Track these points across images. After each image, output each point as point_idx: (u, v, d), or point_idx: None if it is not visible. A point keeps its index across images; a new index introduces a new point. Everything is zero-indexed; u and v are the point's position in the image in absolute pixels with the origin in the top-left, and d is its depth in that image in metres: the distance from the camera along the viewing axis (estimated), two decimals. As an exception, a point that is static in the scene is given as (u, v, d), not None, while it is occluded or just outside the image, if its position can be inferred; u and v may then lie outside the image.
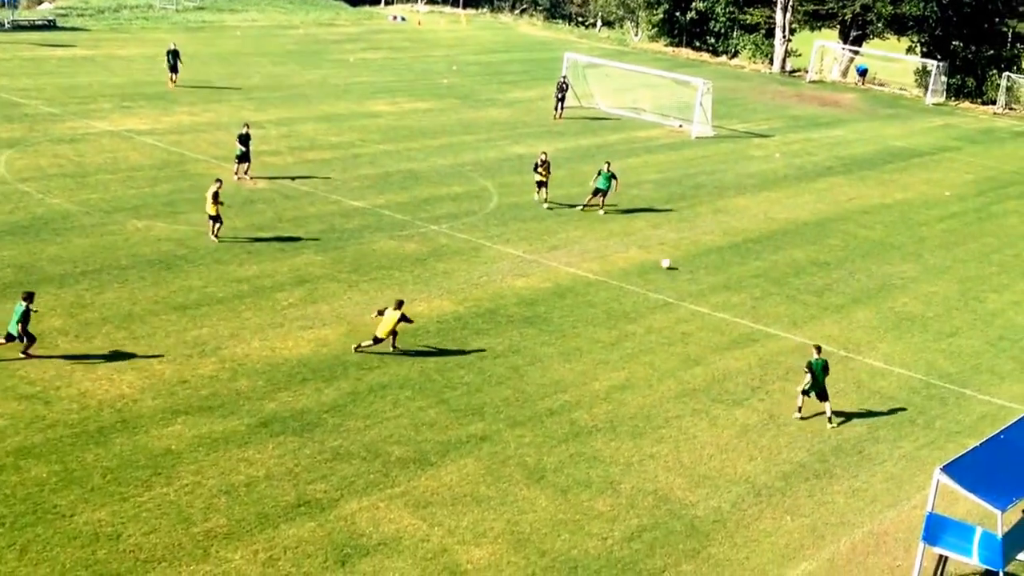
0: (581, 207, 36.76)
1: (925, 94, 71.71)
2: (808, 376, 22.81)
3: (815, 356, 22.86)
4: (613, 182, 36.53)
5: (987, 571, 17.30)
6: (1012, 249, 38.20)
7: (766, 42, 79.44)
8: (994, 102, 71.52)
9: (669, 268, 28.62)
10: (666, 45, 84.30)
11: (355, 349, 23.95)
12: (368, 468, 19.42)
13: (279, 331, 24.80)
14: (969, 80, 73.63)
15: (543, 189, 36.80)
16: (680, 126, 53.17)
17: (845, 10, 76.07)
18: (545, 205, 36.57)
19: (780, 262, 33.82)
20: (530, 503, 18.93)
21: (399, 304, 23.63)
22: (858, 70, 75.72)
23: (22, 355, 22.03)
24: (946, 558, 17.63)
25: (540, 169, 36.64)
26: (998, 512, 16.22)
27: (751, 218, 38.56)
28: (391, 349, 24.07)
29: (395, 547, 17.28)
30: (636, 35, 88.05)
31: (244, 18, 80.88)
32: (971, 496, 16.60)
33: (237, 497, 18.10)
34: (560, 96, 51.96)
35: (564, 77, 52.88)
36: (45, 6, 77.69)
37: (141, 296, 25.85)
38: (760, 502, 19.85)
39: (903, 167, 50.04)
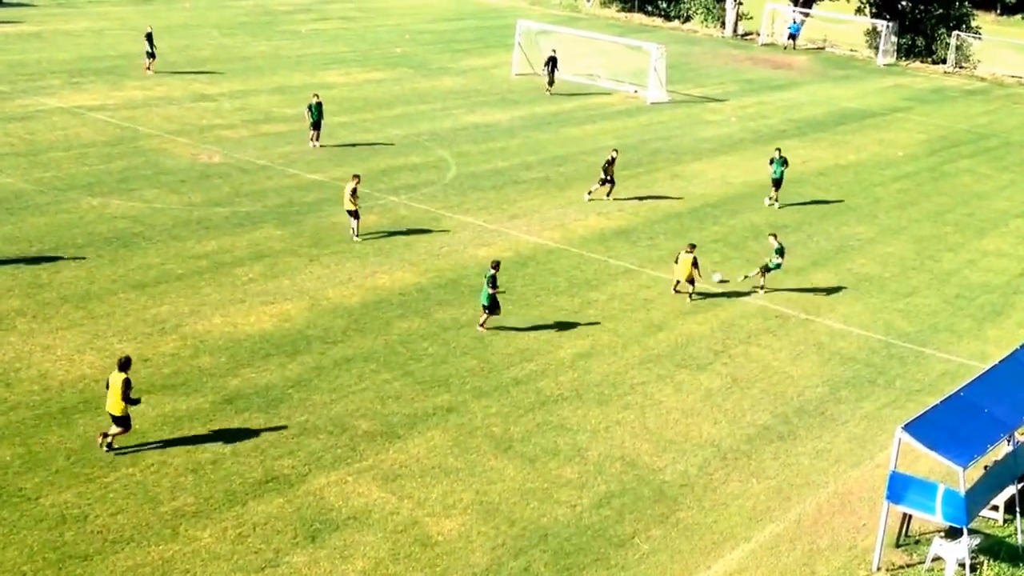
0: (770, 202, 36.15)
1: (876, 55, 72.25)
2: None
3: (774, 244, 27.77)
4: (783, 168, 35.89)
5: (951, 528, 17.66)
6: (966, 208, 38.75)
7: (718, 6, 79.54)
8: (944, 61, 72.23)
9: (720, 281, 28.40)
10: (618, 11, 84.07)
11: None
12: (335, 442, 19.39)
13: (240, 307, 24.59)
14: (919, 40, 74.22)
15: (607, 186, 35.01)
16: (635, 92, 53.15)
17: (795, -29, 76.35)
18: (587, 197, 34.98)
19: (738, 226, 34.04)
20: (498, 473, 19.02)
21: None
22: (790, 31, 75.21)
23: None
24: (910, 516, 17.96)
25: (607, 168, 34.73)
26: (960, 469, 16.53)
27: (708, 182, 38.74)
28: None
29: (365, 521, 17.30)
30: (588, 1, 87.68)
31: (192, -11, 79.36)
32: (933, 454, 16.89)
33: (204, 475, 18.03)
34: (550, 69, 51.08)
35: (553, 51, 52.05)
36: (-14, -20, 75.67)
37: (99, 275, 25.50)
38: (726, 465, 20.08)
39: (856, 128, 50.47)
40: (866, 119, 52.92)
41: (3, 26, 57.31)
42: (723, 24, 78.52)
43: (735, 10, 77.46)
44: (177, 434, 19.15)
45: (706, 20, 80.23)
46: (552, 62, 51.49)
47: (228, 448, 18.87)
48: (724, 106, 52.73)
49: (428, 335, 24.16)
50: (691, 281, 27.46)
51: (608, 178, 34.93)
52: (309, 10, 73.27)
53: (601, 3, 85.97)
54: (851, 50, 74.68)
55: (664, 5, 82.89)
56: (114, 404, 18.32)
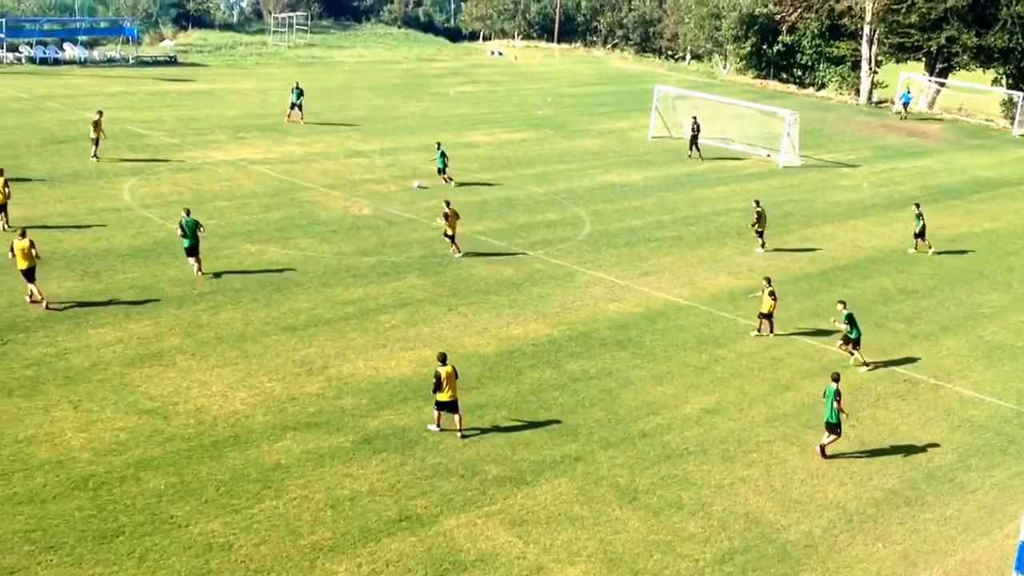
0: (917, 251, 37.76)
1: (1012, 125, 70.49)
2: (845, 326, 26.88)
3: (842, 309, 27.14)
4: (921, 222, 37.45)
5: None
6: (1115, 280, 37.35)
7: (852, 74, 79.24)
8: (1082, 133, 69.80)
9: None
10: (754, 77, 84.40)
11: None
12: (466, 485, 20.12)
13: (382, 352, 25.84)
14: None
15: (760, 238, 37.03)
16: (768, 155, 53.25)
17: (930, 42, 75.28)
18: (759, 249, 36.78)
19: (868, 290, 33.79)
20: (623, 523, 19.43)
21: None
22: (903, 100, 73.32)
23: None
24: (1038, 586, 17.64)
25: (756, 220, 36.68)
26: (1090, 541, 16.23)
27: (838, 246, 38.54)
28: None
29: (492, 563, 17.84)
30: (724, 68, 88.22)
31: (351, 54, 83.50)
32: (1063, 524, 16.62)
33: (342, 511, 18.88)
34: (694, 134, 51.64)
35: (695, 117, 52.64)
36: (167, 43, 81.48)
37: (254, 317, 27.20)
38: (851, 528, 20.04)
39: (991, 197, 49.27)
40: (1001, 188, 51.58)
41: (178, 84, 61.55)
42: (857, 91, 78.12)
43: (870, 78, 76.94)
44: (319, 470, 20.15)
45: (841, 87, 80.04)
46: (695, 128, 51.90)
47: (366, 486, 19.78)
48: (856, 171, 52.27)
49: (558, 385, 24.89)
50: (768, 316, 27.44)
51: (759, 230, 36.39)
52: (458, 74, 76.04)
53: (737, 70, 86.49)
54: (986, 119, 73.04)
55: (799, 72, 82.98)
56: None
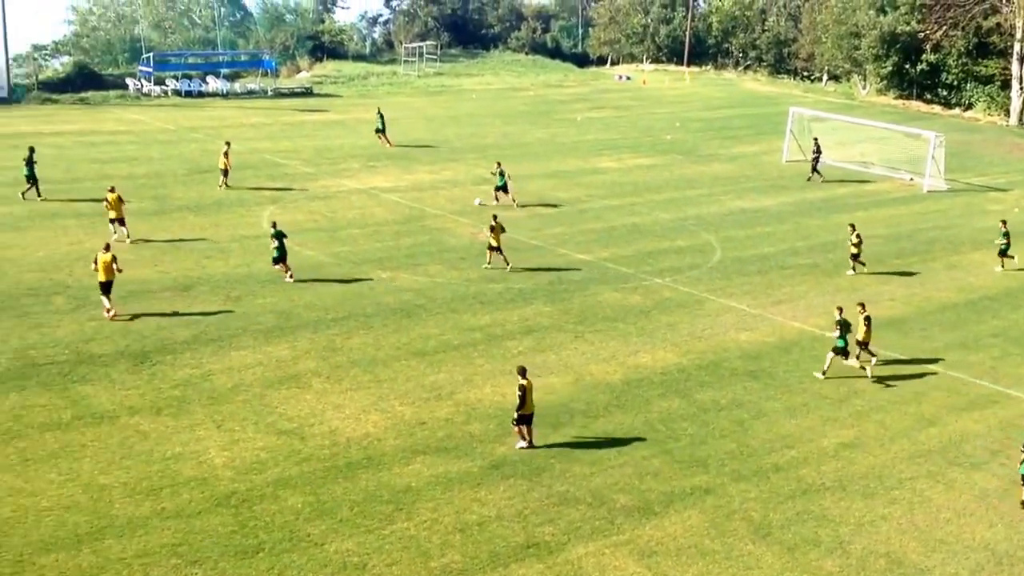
0: None
1: None
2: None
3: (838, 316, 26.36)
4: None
5: None
6: None
7: (1002, 94, 75.89)
8: None
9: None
10: (895, 98, 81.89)
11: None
12: (594, 514, 19.95)
13: (509, 378, 25.79)
14: None
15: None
16: (911, 180, 51.57)
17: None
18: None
19: (1020, 320, 32.23)
20: (755, 559, 18.93)
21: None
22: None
23: None
24: None
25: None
26: None
27: (988, 274, 36.93)
28: None
29: (621, 593, 17.68)
30: (864, 88, 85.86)
31: (479, 82, 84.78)
32: None
33: (470, 535, 18.96)
34: (815, 156, 50.68)
35: (816, 139, 51.65)
36: (303, 75, 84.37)
37: (385, 342, 27.66)
38: (1001, 571, 19.04)
39: None
40: None
41: (312, 114, 63.49)
42: (1007, 112, 74.73)
43: (1021, 98, 73.52)
44: (448, 494, 20.29)
45: (989, 108, 76.70)
46: (816, 151, 50.78)
47: (494, 511, 19.81)
48: (1007, 196, 50.10)
49: (687, 415, 24.48)
50: (866, 345, 26.52)
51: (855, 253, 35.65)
52: (585, 100, 76.25)
53: (877, 90, 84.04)
54: None
55: (944, 93, 79.94)
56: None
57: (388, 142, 53.42)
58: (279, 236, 31.78)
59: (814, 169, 50.53)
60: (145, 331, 27.21)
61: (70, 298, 29.25)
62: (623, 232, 39.76)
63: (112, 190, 34.66)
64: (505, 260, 33.95)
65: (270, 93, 72.41)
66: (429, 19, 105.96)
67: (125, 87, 70.07)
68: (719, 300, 32.49)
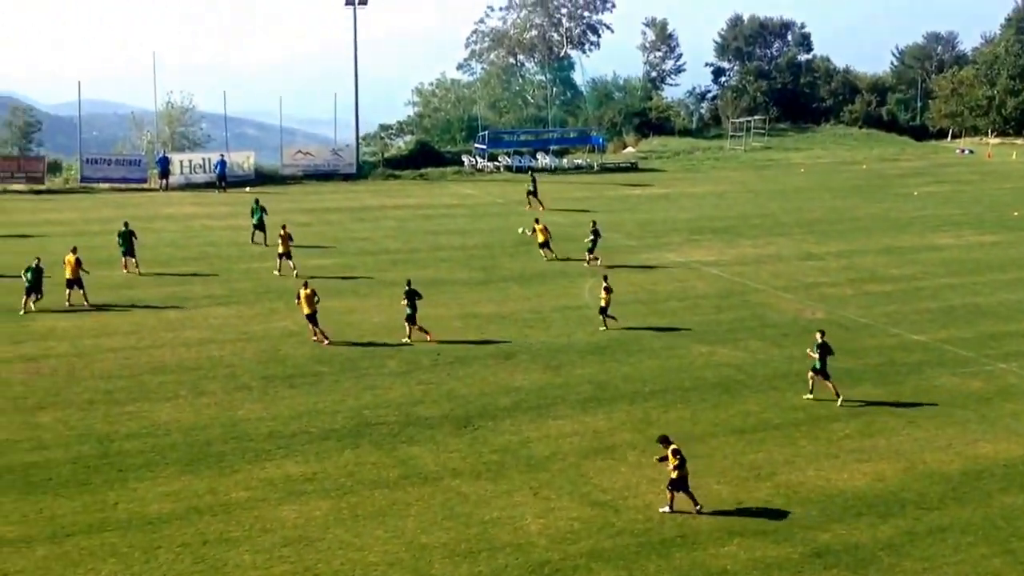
0: None
1: None
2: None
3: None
4: None
5: None
6: None
7: None
8: None
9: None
10: None
11: None
12: (927, 616, 18.47)
13: (834, 462, 24.65)
14: None
15: None
16: None
17: None
18: None
19: None
20: None
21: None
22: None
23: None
24: None
25: None
26: None
27: None
28: None
29: None
30: None
31: (809, 155, 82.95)
32: None
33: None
34: None
35: None
36: (629, 150, 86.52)
37: (702, 417, 27.25)
38: None
39: None
40: None
41: (636, 188, 64.66)
42: None
43: None
44: (765, 580, 19.56)
45: None
46: None
47: (814, 602, 18.87)
48: None
49: (1039, 515, 22.15)
50: None
51: None
52: (923, 174, 72.51)
53: None
54: None
55: None
56: None
57: (540, 204, 54.76)
58: (411, 295, 32.67)
59: None
60: (469, 396, 28.45)
61: (402, 361, 31.20)
62: (963, 312, 37.04)
63: None
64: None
65: (596, 168, 74.54)
66: (758, 94, 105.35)
67: (461, 163, 74.76)
68: (1076, 390, 29.35)
